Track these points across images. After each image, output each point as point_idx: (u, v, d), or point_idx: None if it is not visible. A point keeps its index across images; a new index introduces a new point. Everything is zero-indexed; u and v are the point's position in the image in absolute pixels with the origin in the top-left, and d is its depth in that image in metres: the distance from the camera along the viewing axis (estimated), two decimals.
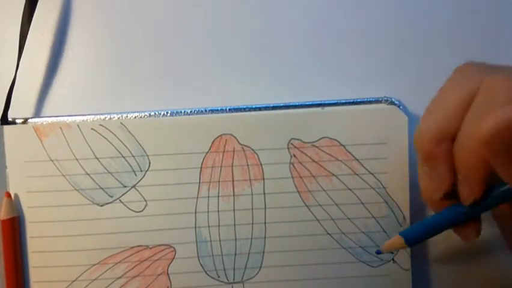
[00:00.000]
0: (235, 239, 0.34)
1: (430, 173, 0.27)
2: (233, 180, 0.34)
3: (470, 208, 0.26)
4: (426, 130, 0.26)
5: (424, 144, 0.26)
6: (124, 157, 0.34)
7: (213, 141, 0.34)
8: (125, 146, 0.34)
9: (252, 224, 0.34)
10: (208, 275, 0.34)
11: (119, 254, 0.34)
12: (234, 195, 0.34)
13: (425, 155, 0.27)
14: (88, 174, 0.34)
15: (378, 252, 0.33)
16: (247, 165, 0.34)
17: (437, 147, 0.26)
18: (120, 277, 0.34)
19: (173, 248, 0.34)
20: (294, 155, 0.34)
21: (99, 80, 0.36)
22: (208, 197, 0.34)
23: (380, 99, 0.34)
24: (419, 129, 0.27)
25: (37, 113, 0.36)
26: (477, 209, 0.26)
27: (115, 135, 0.34)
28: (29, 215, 0.34)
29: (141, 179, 0.34)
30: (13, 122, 0.34)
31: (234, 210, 0.34)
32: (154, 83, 0.36)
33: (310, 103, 0.35)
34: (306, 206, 0.34)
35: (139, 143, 0.34)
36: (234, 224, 0.34)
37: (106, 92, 0.36)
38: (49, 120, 0.34)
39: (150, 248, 0.34)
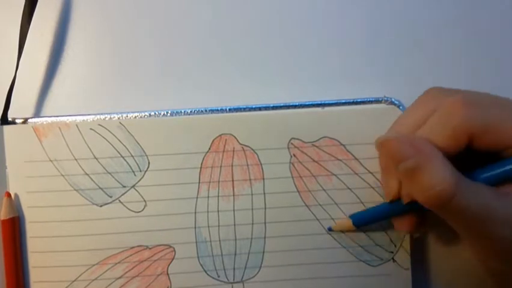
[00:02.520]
0: (235, 239, 0.34)
1: (386, 180, 0.31)
2: (233, 180, 0.34)
3: (408, 205, 0.30)
4: (382, 151, 0.30)
5: (380, 158, 0.31)
6: (123, 157, 0.34)
7: (213, 141, 0.34)
8: (125, 146, 0.34)
9: (252, 224, 0.34)
10: (208, 275, 0.34)
11: (119, 254, 0.34)
12: (233, 195, 0.34)
13: (381, 164, 0.32)
14: (87, 174, 0.34)
15: (330, 229, 0.34)
16: (247, 165, 0.34)
17: (388, 163, 0.30)
18: (120, 277, 0.34)
19: (173, 248, 0.34)
20: (294, 155, 0.34)
21: (98, 80, 0.36)
22: (208, 197, 0.34)
23: (380, 99, 0.34)
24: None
25: (37, 113, 0.36)
26: (412, 206, 0.29)
27: (114, 135, 0.34)
28: (29, 215, 0.34)
29: (140, 179, 0.34)
30: (13, 122, 0.34)
31: (233, 210, 0.34)
32: (154, 83, 0.36)
33: (310, 103, 0.35)
34: (306, 205, 0.34)
35: (138, 143, 0.34)
36: (234, 224, 0.34)
37: (105, 92, 0.36)
38: (48, 120, 0.34)
39: (150, 248, 0.34)
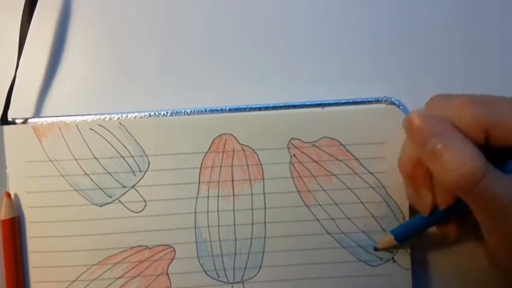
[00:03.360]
0: (235, 239, 0.34)
1: (416, 195, 0.31)
2: (233, 180, 0.34)
3: (446, 211, 0.30)
4: (404, 155, 0.30)
5: (404, 168, 0.31)
6: (123, 157, 0.34)
7: (213, 141, 0.34)
8: (124, 146, 0.34)
9: (252, 224, 0.34)
10: (208, 275, 0.34)
11: (119, 254, 0.34)
12: (233, 195, 0.34)
13: (407, 177, 0.31)
14: (87, 174, 0.34)
15: (376, 249, 0.34)
16: (247, 165, 0.34)
17: (415, 170, 0.30)
18: (120, 277, 0.34)
19: (173, 248, 0.34)
20: (294, 155, 0.34)
21: (98, 80, 0.36)
22: (208, 197, 0.34)
23: (380, 99, 0.34)
24: (400, 154, 0.31)
25: (37, 113, 0.36)
26: (450, 211, 0.30)
27: (114, 135, 0.34)
28: (29, 215, 0.34)
29: (140, 179, 0.34)
30: (13, 122, 0.34)
31: (233, 210, 0.34)
32: (153, 83, 0.36)
33: (310, 103, 0.35)
34: (306, 205, 0.34)
35: (138, 143, 0.34)
36: (234, 224, 0.34)
37: (105, 92, 0.36)
38: (48, 120, 0.34)
39: (150, 248, 0.34)
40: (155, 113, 0.34)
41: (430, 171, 0.29)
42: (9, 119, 0.34)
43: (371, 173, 0.34)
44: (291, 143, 0.34)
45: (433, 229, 0.33)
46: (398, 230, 0.33)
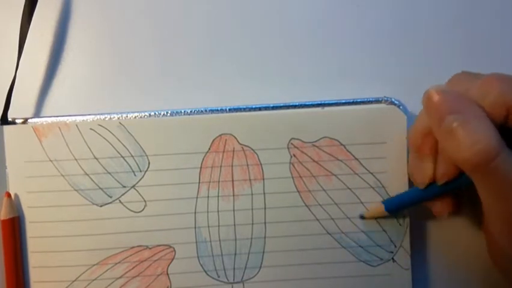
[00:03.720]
0: (235, 239, 0.34)
1: (417, 165, 0.31)
2: (233, 180, 0.34)
3: (443, 186, 0.30)
4: (416, 127, 0.31)
5: (414, 136, 0.31)
6: (123, 157, 0.34)
7: (213, 141, 0.34)
8: (124, 146, 0.34)
9: (252, 224, 0.34)
10: (208, 275, 0.34)
11: (119, 254, 0.34)
12: (233, 195, 0.34)
13: (414, 146, 0.31)
14: (87, 174, 0.34)
15: (362, 217, 0.34)
16: (247, 165, 0.34)
17: (423, 140, 0.30)
18: (120, 277, 0.34)
19: (173, 248, 0.34)
20: (294, 155, 0.34)
21: (98, 80, 0.36)
22: (208, 197, 0.34)
23: (380, 99, 0.34)
24: (413, 124, 0.31)
25: (37, 113, 0.36)
26: (447, 187, 0.30)
27: (114, 135, 0.34)
28: (29, 215, 0.34)
29: (140, 179, 0.34)
30: (13, 122, 0.34)
31: (233, 210, 0.34)
32: (153, 83, 0.36)
33: (310, 103, 0.34)
34: (306, 205, 0.34)
35: (138, 143, 0.34)
36: (234, 224, 0.34)
37: (105, 92, 0.36)
38: (48, 120, 0.34)
39: (150, 248, 0.34)
40: (155, 113, 0.34)
41: (437, 144, 0.29)
42: (9, 119, 0.34)
43: (371, 173, 0.34)
44: (291, 143, 0.34)
45: (435, 231, 0.33)
46: (390, 201, 0.33)
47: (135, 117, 0.34)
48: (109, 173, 0.34)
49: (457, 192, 0.31)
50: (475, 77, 0.28)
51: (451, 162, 0.29)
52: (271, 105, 0.34)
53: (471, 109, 0.26)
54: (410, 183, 0.33)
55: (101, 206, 0.34)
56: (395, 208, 0.33)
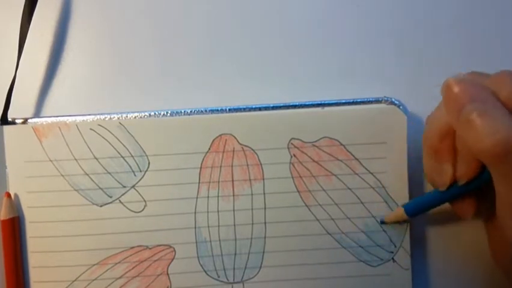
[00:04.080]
0: (235, 239, 0.34)
1: (436, 168, 0.30)
2: (233, 180, 0.34)
3: (464, 186, 0.30)
4: (432, 127, 0.30)
5: (430, 139, 0.30)
6: (123, 157, 0.34)
7: (213, 141, 0.34)
8: (124, 146, 0.34)
9: (252, 224, 0.34)
10: (208, 275, 0.34)
11: (119, 254, 0.34)
12: (233, 195, 0.34)
13: (431, 148, 0.30)
14: (87, 174, 0.34)
15: (383, 222, 0.34)
16: (247, 165, 0.34)
17: (441, 142, 0.29)
18: (120, 277, 0.34)
19: (173, 248, 0.34)
20: (294, 155, 0.34)
21: (98, 80, 0.36)
22: (208, 197, 0.34)
23: (380, 99, 0.34)
24: (426, 125, 0.31)
25: (37, 113, 0.36)
26: (469, 186, 0.30)
27: (114, 135, 0.34)
28: (29, 215, 0.34)
29: (140, 179, 0.34)
30: (13, 122, 0.34)
31: (233, 210, 0.34)
32: (154, 83, 0.36)
33: (310, 103, 0.34)
34: (306, 205, 0.34)
35: (138, 143, 0.34)
36: (234, 224, 0.34)
37: (105, 92, 0.36)
38: (48, 120, 0.34)
39: (150, 248, 0.34)
40: (155, 113, 0.34)
41: (455, 144, 0.29)
42: (9, 119, 0.34)
43: (371, 173, 0.34)
44: (291, 143, 0.34)
45: (435, 232, 0.33)
46: (410, 205, 0.33)
47: (135, 117, 0.34)
48: (109, 173, 0.34)
49: (476, 191, 0.31)
50: (487, 76, 0.28)
51: (471, 160, 0.28)
52: (271, 105, 0.34)
53: (490, 99, 0.26)
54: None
55: (101, 206, 0.34)
56: (415, 212, 0.32)
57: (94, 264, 0.34)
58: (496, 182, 0.27)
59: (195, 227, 0.34)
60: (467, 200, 0.31)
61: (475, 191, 0.30)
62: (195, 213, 0.34)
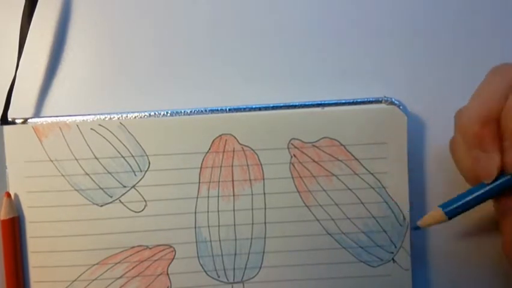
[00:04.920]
0: (235, 239, 0.34)
1: (481, 158, 0.28)
2: (233, 180, 0.34)
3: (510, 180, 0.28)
4: (472, 115, 0.28)
5: (471, 127, 0.28)
6: (123, 157, 0.34)
7: (213, 141, 0.34)
8: (125, 146, 0.34)
9: (252, 224, 0.34)
10: (208, 275, 0.34)
11: (119, 254, 0.34)
12: (233, 195, 0.34)
13: (473, 137, 0.28)
14: (88, 174, 0.34)
15: (416, 228, 0.31)
16: (247, 165, 0.34)
17: (483, 129, 0.27)
18: (120, 277, 0.34)
19: (173, 248, 0.34)
20: (294, 155, 0.34)
21: (98, 80, 0.36)
22: (208, 197, 0.34)
23: (380, 99, 0.34)
24: (463, 115, 0.29)
25: (37, 113, 0.36)
26: None
27: (115, 135, 0.34)
28: (29, 215, 0.34)
29: (141, 179, 0.34)
30: (13, 122, 0.34)
31: (234, 210, 0.34)
32: (154, 83, 0.36)
33: (310, 103, 0.34)
34: (306, 206, 0.34)
35: (138, 143, 0.34)
36: (234, 224, 0.34)
37: (106, 92, 0.36)
38: (49, 120, 0.34)
39: (150, 248, 0.34)
40: (155, 113, 0.34)
41: (500, 131, 0.28)
42: (10, 119, 0.34)
43: (371, 174, 0.34)
44: (291, 143, 0.34)
45: (435, 232, 0.33)
46: (450, 204, 0.30)
47: (135, 117, 0.34)
48: (110, 173, 0.34)
49: None
50: None
51: None
52: (271, 105, 0.34)
53: None
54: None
55: (101, 205, 0.34)
56: (456, 211, 0.30)
57: (94, 264, 0.34)
58: None
59: (195, 227, 0.34)
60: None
61: None
62: (195, 213, 0.34)
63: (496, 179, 0.28)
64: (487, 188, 0.29)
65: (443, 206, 0.30)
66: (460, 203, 0.29)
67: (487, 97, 0.28)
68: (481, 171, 0.28)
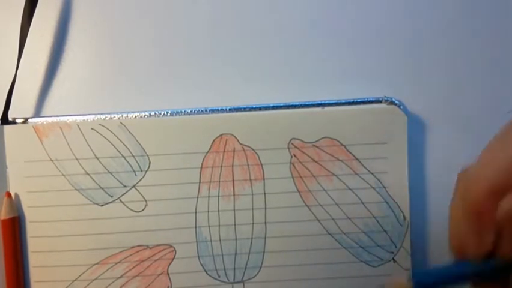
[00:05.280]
0: (236, 239, 0.34)
1: (474, 234, 0.25)
2: (233, 180, 0.34)
3: (502, 264, 0.24)
4: (482, 185, 0.24)
5: (473, 199, 0.24)
6: (124, 157, 0.34)
7: (213, 141, 0.34)
8: (125, 145, 0.34)
9: (252, 223, 0.34)
10: (208, 274, 0.34)
11: (119, 254, 0.34)
12: (234, 195, 0.34)
13: (474, 209, 0.24)
14: (88, 174, 0.34)
15: None
16: (248, 165, 0.34)
17: (488, 204, 0.24)
18: (120, 277, 0.34)
19: (174, 247, 0.34)
20: (295, 155, 0.34)
21: (99, 80, 0.36)
22: (209, 196, 0.34)
23: (380, 99, 0.34)
24: (471, 182, 0.25)
25: (37, 113, 0.36)
26: (506, 267, 0.24)
27: (115, 135, 0.34)
28: (29, 215, 0.34)
29: (141, 179, 0.34)
30: (13, 122, 0.34)
31: (234, 210, 0.34)
32: (154, 83, 0.36)
33: (310, 103, 0.35)
34: (307, 206, 0.34)
35: (139, 143, 0.34)
36: (234, 224, 0.34)
37: (106, 92, 0.36)
38: (49, 120, 0.34)
39: (150, 248, 0.34)
40: (156, 113, 0.34)
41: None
42: (10, 119, 0.34)
43: (372, 173, 0.34)
44: (292, 143, 0.34)
45: (435, 232, 0.33)
46: (422, 276, 0.26)
47: (135, 117, 0.34)
48: (110, 173, 0.34)
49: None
50: None
51: None
52: (271, 105, 0.34)
53: None
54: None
55: (101, 205, 0.34)
56: (427, 285, 0.26)
57: (94, 264, 0.34)
58: None
59: (196, 227, 0.34)
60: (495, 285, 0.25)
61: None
62: (196, 212, 0.34)
63: (486, 262, 0.25)
64: (468, 268, 0.25)
65: (414, 275, 0.26)
66: (435, 279, 0.26)
67: (497, 168, 0.24)
68: (469, 248, 0.25)
